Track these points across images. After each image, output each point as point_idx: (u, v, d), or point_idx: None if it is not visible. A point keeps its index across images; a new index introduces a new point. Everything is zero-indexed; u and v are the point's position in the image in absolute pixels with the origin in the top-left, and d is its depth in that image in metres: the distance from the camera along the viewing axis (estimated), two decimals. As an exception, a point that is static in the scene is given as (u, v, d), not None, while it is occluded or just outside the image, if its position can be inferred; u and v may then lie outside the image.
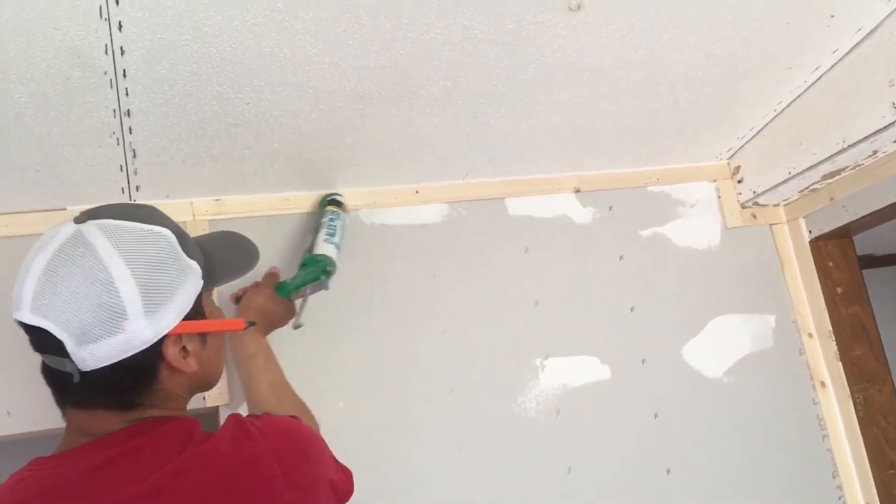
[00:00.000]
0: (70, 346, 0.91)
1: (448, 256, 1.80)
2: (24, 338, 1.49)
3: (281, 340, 1.53)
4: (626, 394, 1.82)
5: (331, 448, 1.12)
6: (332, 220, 1.65)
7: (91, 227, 0.96)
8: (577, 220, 1.91)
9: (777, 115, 1.83)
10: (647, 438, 1.80)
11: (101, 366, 0.92)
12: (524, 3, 1.32)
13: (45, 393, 1.49)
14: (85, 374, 0.92)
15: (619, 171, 1.97)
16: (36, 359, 1.50)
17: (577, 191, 1.93)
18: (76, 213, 1.54)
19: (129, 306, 0.91)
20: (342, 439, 1.60)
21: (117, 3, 1.11)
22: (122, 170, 1.51)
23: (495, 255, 1.83)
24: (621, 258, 1.91)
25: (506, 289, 1.82)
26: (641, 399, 1.82)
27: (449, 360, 1.73)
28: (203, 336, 1.04)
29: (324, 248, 1.59)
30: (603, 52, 1.49)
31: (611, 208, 1.94)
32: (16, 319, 0.94)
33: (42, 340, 0.92)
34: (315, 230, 1.65)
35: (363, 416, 1.65)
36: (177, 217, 1.62)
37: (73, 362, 0.91)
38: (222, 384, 1.59)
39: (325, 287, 1.59)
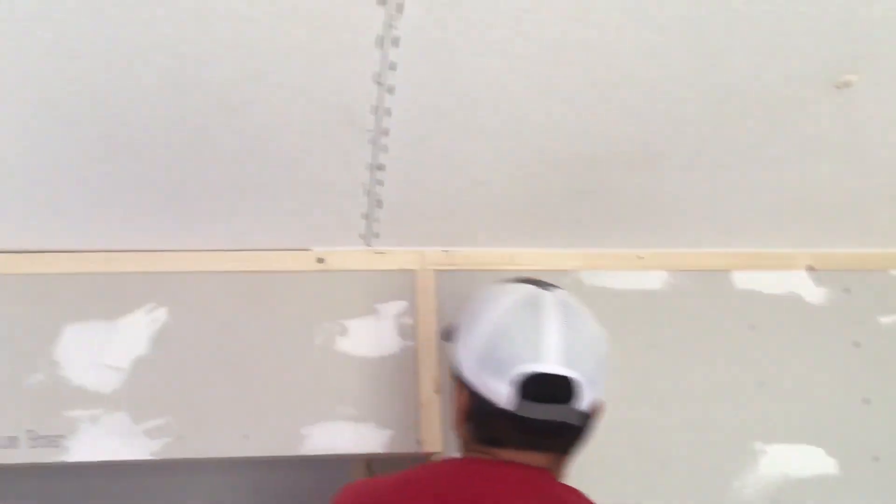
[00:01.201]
0: (586, 393, 1.06)
1: (668, 326, 1.75)
2: (260, 365, 1.62)
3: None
4: (855, 492, 1.68)
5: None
6: None
7: (563, 294, 1.17)
8: (808, 300, 1.80)
9: None
10: (877, 545, 1.65)
11: (588, 408, 1.09)
12: (785, 79, 1.27)
13: (278, 419, 1.60)
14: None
15: (858, 251, 1.84)
16: (273, 386, 1.61)
17: (811, 269, 1.82)
18: (318, 254, 1.68)
19: (608, 356, 1.12)
20: None
21: (394, 69, 1.18)
22: (364, 218, 1.59)
23: (718, 330, 1.76)
24: (857, 345, 1.78)
25: (728, 365, 1.74)
26: (872, 501, 1.68)
27: (663, 435, 1.68)
28: None
29: None
30: (863, 130, 1.41)
31: (847, 290, 1.81)
32: (530, 372, 1.06)
33: (555, 390, 1.06)
34: None
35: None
36: (406, 265, 1.71)
37: (578, 409, 1.07)
38: (437, 435, 1.62)
39: None
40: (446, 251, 1.74)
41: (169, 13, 1.06)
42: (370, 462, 2.53)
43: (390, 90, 1.23)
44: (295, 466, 2.49)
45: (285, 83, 1.20)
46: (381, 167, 1.43)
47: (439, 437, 1.63)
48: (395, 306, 1.70)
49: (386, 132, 1.33)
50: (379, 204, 1.55)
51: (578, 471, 1.63)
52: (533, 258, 1.75)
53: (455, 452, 1.59)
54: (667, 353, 1.73)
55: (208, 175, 1.43)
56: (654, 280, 1.79)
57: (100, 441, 1.56)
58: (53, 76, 1.16)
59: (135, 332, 1.63)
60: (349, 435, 1.62)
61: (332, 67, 1.17)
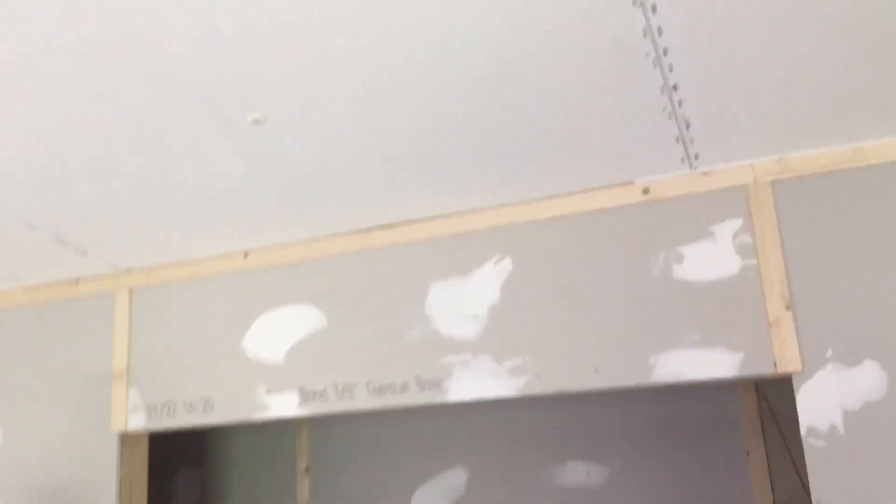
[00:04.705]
0: None
1: None
2: (602, 300, 1.67)
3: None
4: None
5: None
6: None
7: None
8: None
9: None
10: None
11: None
12: None
13: (625, 350, 1.65)
14: None
15: None
16: (616, 319, 1.66)
17: None
18: (643, 185, 1.68)
19: None
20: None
21: (647, -13, 1.14)
22: (678, 141, 1.55)
23: None
24: None
25: None
26: None
27: None
28: None
29: None
30: None
31: None
32: None
33: None
34: None
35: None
36: (737, 181, 1.63)
37: None
38: (794, 353, 1.52)
39: None
40: (780, 158, 1.61)
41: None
42: (759, 385, 2.44)
43: (653, 9, 1.19)
44: (693, 395, 2.51)
45: (549, 26, 1.23)
46: (674, 87, 1.38)
47: (797, 356, 1.53)
48: (730, 225, 1.62)
49: (665, 52, 1.29)
50: (687, 124, 1.50)
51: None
52: (886, 149, 1.54)
53: (817, 370, 1.50)
54: None
55: (519, 131, 1.51)
56: None
57: (472, 382, 1.76)
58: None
59: (487, 283, 1.80)
60: (698, 361, 1.60)
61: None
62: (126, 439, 2.10)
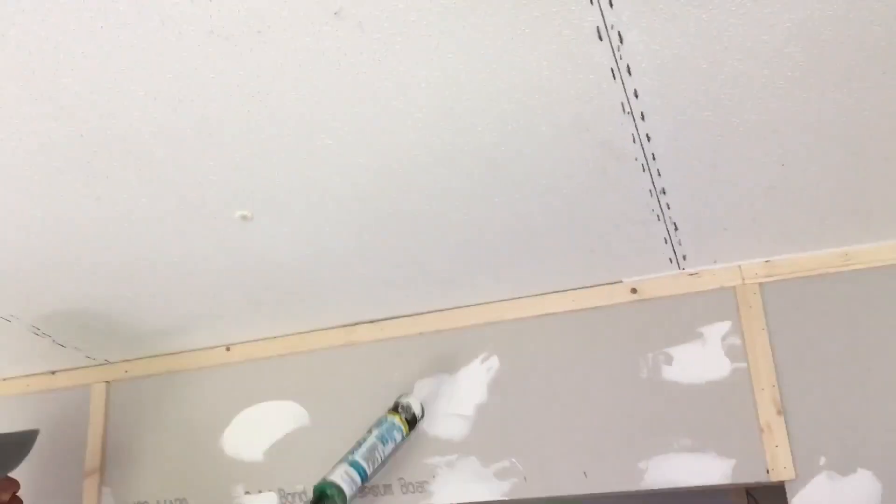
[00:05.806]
0: None
1: None
2: (591, 402, 1.64)
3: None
4: None
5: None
6: (377, 429, 1.67)
7: None
8: None
9: None
10: None
11: None
12: None
13: (615, 454, 1.61)
14: None
15: None
16: (605, 421, 1.63)
17: None
18: (631, 285, 1.67)
19: None
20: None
21: (636, 96, 1.16)
22: (666, 242, 1.55)
23: None
24: None
25: None
26: None
27: None
28: None
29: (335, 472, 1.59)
30: None
31: None
32: None
33: None
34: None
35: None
36: (725, 282, 1.63)
37: None
38: (786, 460, 1.49)
39: None
40: (767, 261, 1.61)
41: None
42: (750, 490, 2.39)
43: (642, 116, 1.20)
44: (683, 498, 2.44)
45: (541, 130, 1.24)
46: (662, 191, 1.39)
47: (790, 463, 1.50)
48: (720, 327, 1.61)
49: (653, 157, 1.30)
50: (675, 226, 1.50)
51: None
52: (873, 254, 1.54)
53: (811, 478, 1.47)
54: None
55: (508, 229, 1.52)
56: None
57: (457, 484, 1.71)
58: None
59: (474, 381, 1.77)
60: (689, 466, 1.57)
61: (579, 104, 1.18)
62: (95, 541, 2.01)
